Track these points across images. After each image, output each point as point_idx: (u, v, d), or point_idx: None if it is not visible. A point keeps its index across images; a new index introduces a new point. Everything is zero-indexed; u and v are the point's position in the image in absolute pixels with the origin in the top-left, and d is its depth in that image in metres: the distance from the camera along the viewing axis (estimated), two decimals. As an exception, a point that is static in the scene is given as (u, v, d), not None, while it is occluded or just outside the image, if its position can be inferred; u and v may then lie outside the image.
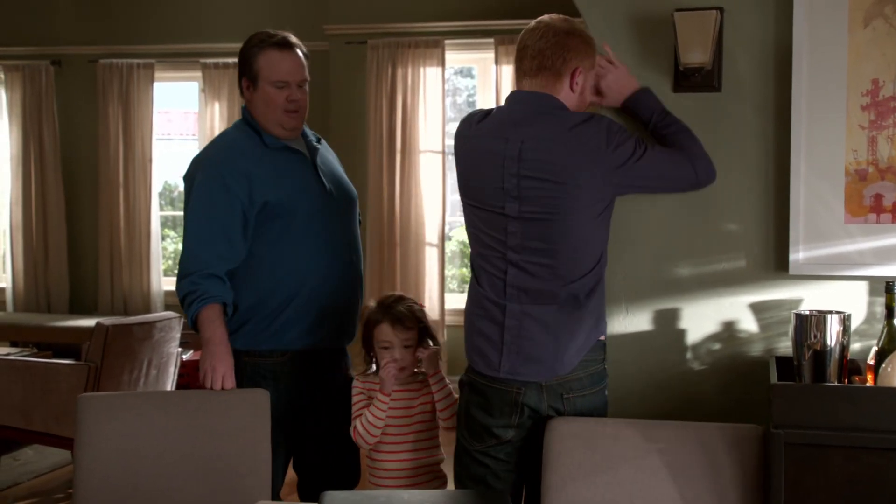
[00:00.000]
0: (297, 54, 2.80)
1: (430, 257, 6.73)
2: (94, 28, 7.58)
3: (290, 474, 2.92)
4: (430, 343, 2.72)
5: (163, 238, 7.89)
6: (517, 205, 2.32)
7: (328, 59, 6.79)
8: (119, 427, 2.56)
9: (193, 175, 2.77)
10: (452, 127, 6.93)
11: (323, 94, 6.64)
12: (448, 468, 2.70)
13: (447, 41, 6.67)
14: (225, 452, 2.57)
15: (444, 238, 6.77)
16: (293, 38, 2.81)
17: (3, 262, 7.95)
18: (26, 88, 7.60)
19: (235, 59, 2.88)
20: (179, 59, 7.47)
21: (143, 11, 7.51)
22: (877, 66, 2.43)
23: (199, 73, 7.37)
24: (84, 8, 7.62)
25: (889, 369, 2.13)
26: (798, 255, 2.47)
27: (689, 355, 2.59)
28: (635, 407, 2.58)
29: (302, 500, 2.88)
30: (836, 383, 2.20)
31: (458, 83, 7.87)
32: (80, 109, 7.65)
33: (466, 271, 7.50)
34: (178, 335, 4.65)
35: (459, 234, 7.56)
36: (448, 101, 6.99)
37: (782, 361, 2.37)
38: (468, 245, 2.68)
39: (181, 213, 2.80)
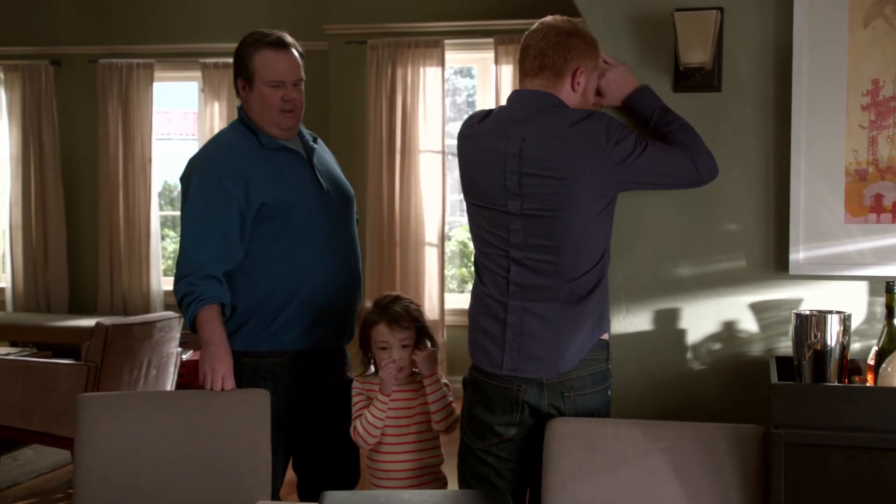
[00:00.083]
0: (292, 54, 2.79)
1: (430, 257, 6.72)
2: (93, 28, 7.58)
3: (290, 474, 2.91)
4: (428, 343, 2.71)
5: (162, 238, 7.89)
6: (519, 202, 2.32)
7: (328, 59, 6.78)
8: (119, 427, 2.56)
9: (190, 176, 2.76)
10: (452, 127, 6.94)
11: (323, 94, 6.64)
12: (449, 469, 2.70)
13: (447, 41, 6.67)
14: (225, 452, 2.57)
15: (443, 238, 6.76)
16: (288, 38, 2.80)
17: (3, 262, 7.95)
18: (26, 88, 7.60)
19: (234, 60, 2.88)
20: (179, 59, 7.48)
21: (142, 11, 7.51)
22: (877, 66, 2.43)
23: (198, 73, 7.37)
24: (84, 8, 7.61)
25: (889, 369, 2.13)
26: (798, 254, 2.47)
27: (689, 355, 2.59)
28: (635, 407, 2.58)
29: (302, 500, 2.88)
30: (836, 383, 2.20)
31: (458, 83, 7.87)
32: (80, 109, 7.65)
33: (466, 271, 7.50)
34: (178, 335, 4.65)
35: (459, 234, 7.56)
36: (448, 101, 6.98)
37: (782, 361, 2.37)
38: (468, 245, 2.68)
39: (180, 213, 2.80)
